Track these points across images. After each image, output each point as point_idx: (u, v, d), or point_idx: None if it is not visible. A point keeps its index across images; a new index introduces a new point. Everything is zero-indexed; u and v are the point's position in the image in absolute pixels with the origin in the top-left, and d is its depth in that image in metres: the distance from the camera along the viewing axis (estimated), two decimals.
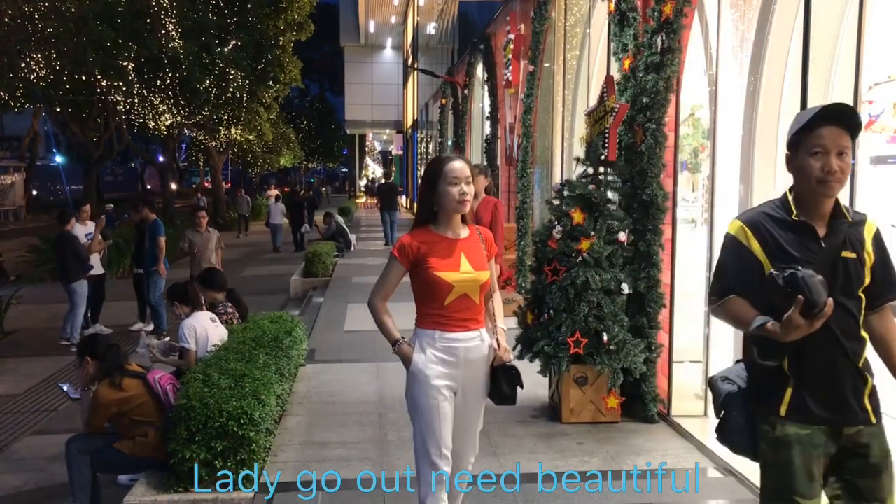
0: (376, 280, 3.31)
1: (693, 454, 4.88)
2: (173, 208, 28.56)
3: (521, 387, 3.26)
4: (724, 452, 4.78)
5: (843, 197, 2.59)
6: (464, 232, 3.26)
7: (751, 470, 4.49)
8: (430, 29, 28.59)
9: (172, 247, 12.49)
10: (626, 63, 5.77)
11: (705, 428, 5.31)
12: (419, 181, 24.18)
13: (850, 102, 4.04)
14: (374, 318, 3.26)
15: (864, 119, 4.72)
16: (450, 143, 20.45)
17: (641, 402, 5.43)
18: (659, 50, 5.32)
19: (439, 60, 26.39)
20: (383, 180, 26.67)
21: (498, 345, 3.23)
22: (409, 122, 36.50)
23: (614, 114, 5.49)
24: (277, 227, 21.77)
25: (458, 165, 3.15)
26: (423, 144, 30.93)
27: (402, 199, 38.96)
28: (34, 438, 6.30)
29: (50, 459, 5.68)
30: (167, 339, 7.61)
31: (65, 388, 4.97)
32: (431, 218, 3.23)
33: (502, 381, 3.22)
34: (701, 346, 5.66)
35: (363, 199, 45.84)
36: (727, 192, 5.48)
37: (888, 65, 4.74)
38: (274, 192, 31.68)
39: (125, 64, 19.31)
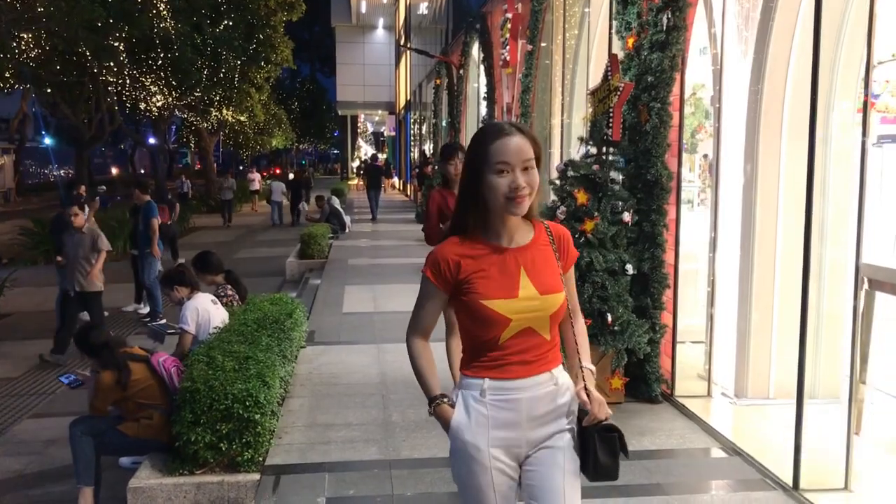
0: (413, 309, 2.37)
1: (698, 434, 4.88)
2: (165, 190, 28.29)
3: (627, 455, 2.26)
4: (729, 432, 4.81)
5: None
6: (526, 236, 2.28)
7: (756, 449, 4.50)
8: (423, 8, 28.32)
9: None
10: (630, 42, 5.71)
11: (708, 408, 5.32)
12: (424, 159, 23.85)
13: (861, 81, 4.01)
14: (411, 363, 2.36)
15: None
16: (444, 123, 20.38)
17: (645, 383, 5.42)
18: (664, 28, 5.26)
19: (433, 41, 26.18)
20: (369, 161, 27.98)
21: (589, 396, 2.26)
22: (402, 103, 36.28)
23: (619, 93, 5.44)
24: (278, 205, 23.65)
25: (511, 143, 2.14)
26: (416, 126, 30.78)
27: (395, 181, 38.84)
28: (33, 422, 6.28)
29: (48, 442, 5.66)
30: (163, 320, 7.54)
31: (65, 382, 4.76)
32: (477, 220, 2.23)
33: (597, 449, 2.22)
34: (703, 327, 5.68)
35: (355, 182, 45.53)
36: (731, 171, 5.45)
37: (892, 43, 4.70)
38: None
39: (116, 44, 19.15)
